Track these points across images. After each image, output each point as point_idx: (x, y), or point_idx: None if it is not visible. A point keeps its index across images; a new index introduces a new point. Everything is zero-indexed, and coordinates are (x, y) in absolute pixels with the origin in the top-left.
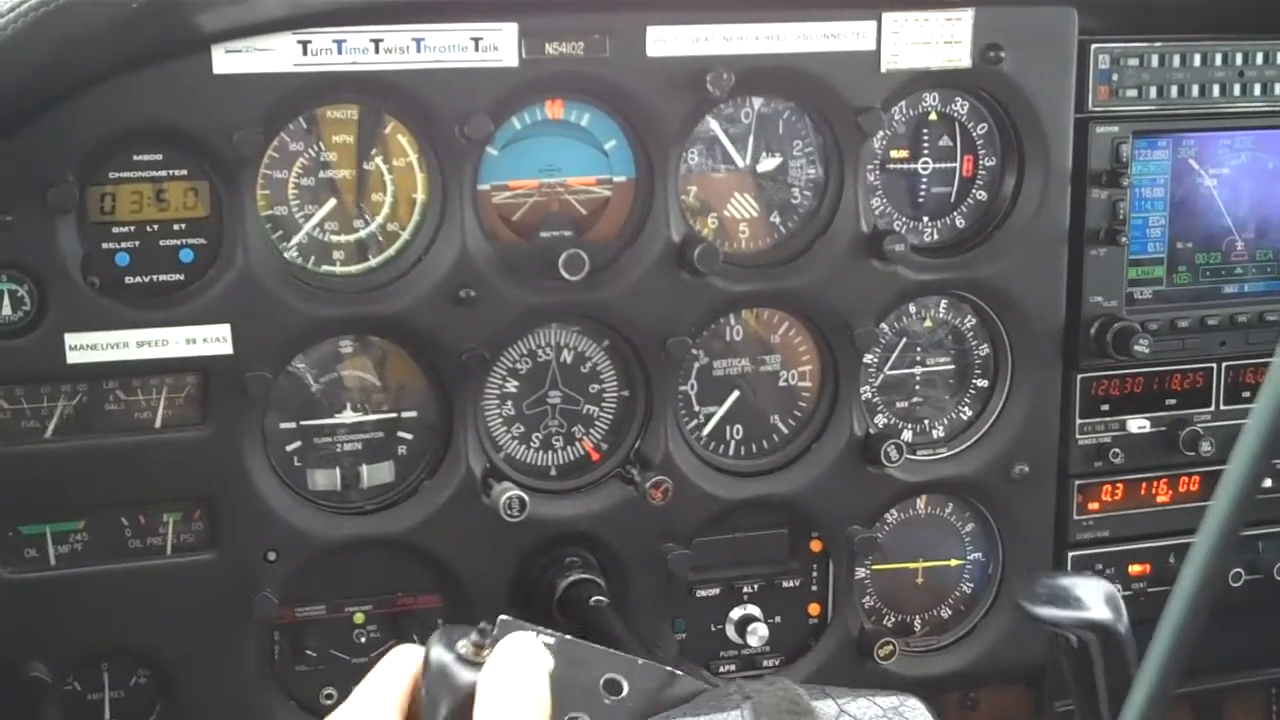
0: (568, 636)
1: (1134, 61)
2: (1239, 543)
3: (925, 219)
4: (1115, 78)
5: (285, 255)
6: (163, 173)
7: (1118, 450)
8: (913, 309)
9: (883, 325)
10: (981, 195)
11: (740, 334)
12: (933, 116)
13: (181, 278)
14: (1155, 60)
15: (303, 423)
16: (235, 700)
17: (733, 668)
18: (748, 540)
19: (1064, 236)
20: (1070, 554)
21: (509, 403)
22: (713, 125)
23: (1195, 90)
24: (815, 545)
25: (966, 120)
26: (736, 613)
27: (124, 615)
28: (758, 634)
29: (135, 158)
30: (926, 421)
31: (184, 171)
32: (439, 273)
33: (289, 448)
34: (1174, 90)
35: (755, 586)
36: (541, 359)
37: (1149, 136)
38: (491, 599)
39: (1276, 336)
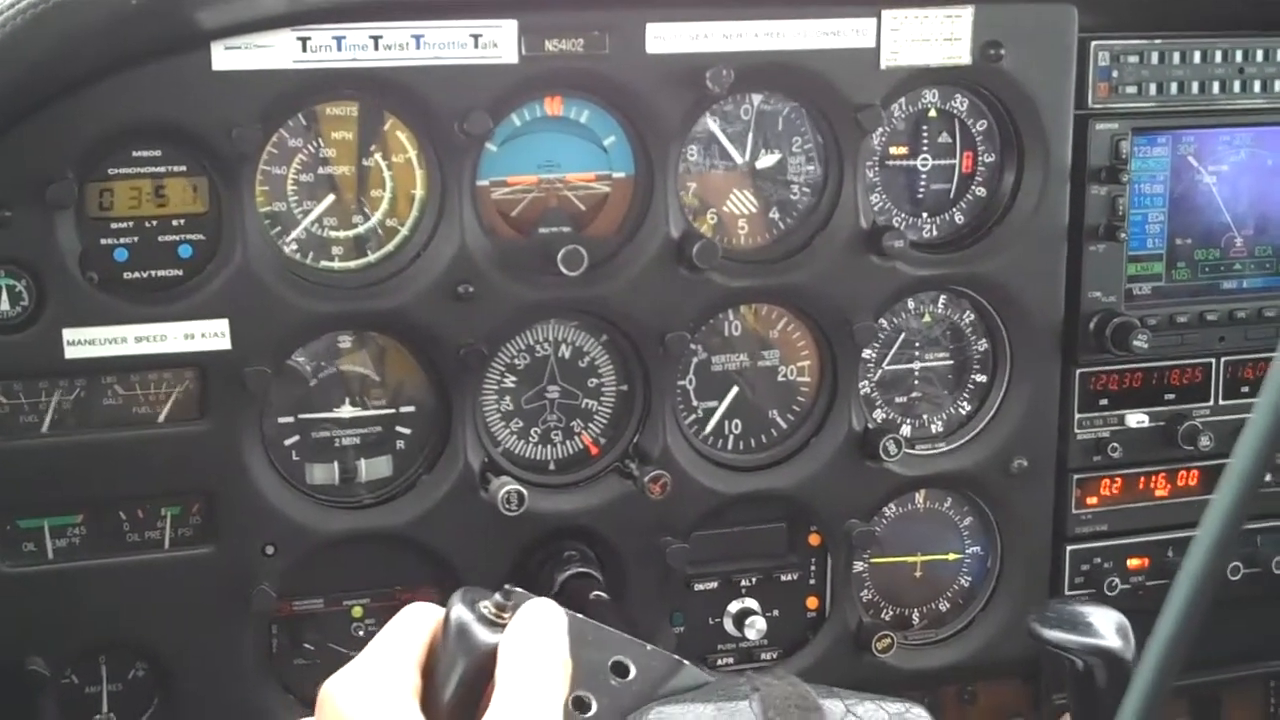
0: (579, 615)
1: (1134, 58)
2: (1239, 538)
3: (924, 215)
4: (1115, 74)
5: (284, 251)
6: (162, 169)
7: (1116, 445)
8: (911, 304)
9: (881, 321)
10: (981, 191)
11: (739, 329)
12: (932, 113)
13: (180, 273)
14: (1155, 57)
15: (301, 417)
16: (233, 693)
17: (731, 661)
18: (746, 534)
19: (1063, 232)
20: (1068, 548)
21: (507, 398)
22: (710, 124)
23: (1195, 87)
24: (814, 539)
25: (966, 117)
26: (734, 606)
27: (122, 609)
28: (756, 627)
29: (134, 154)
30: (925, 416)
31: (183, 167)
32: (438, 268)
33: (287, 442)
34: (1174, 87)
35: (753, 580)
36: (540, 354)
37: (1148, 133)
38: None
39: (1275, 332)
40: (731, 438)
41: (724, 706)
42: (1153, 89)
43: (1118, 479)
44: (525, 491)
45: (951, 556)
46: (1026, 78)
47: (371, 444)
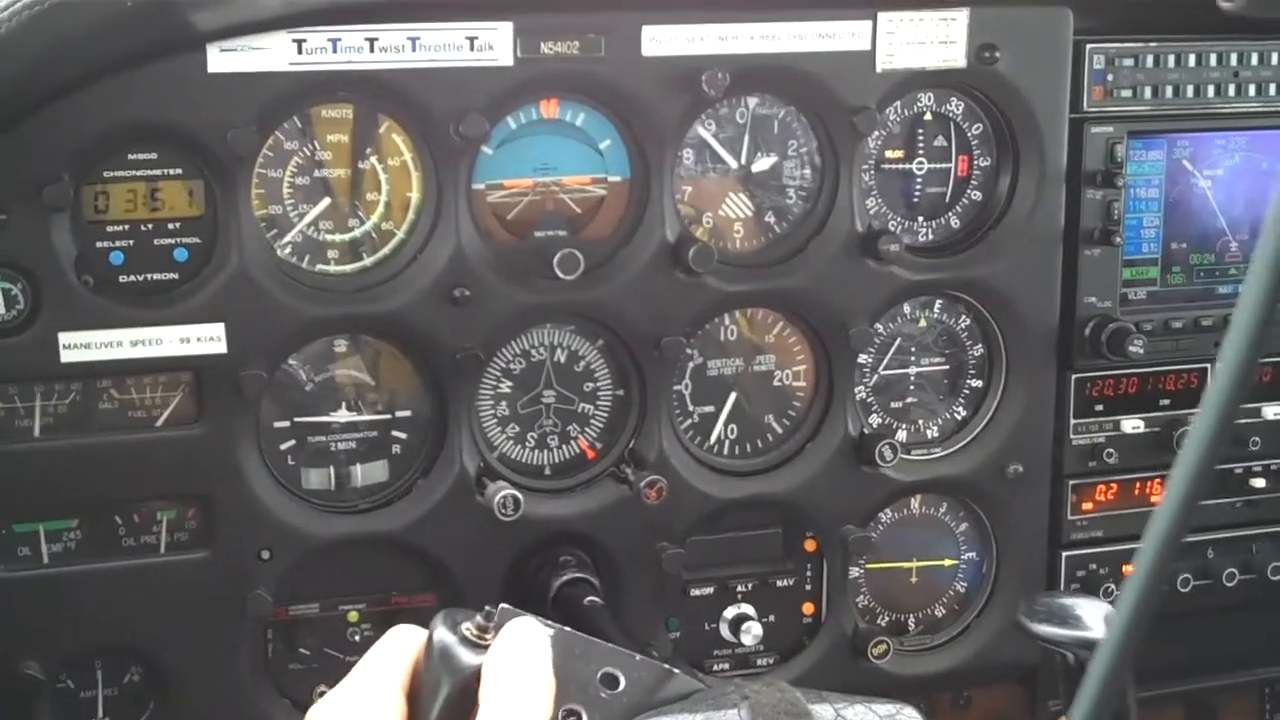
0: (566, 628)
1: (1129, 62)
2: (1231, 543)
3: (920, 219)
4: (1110, 78)
5: (280, 254)
6: (157, 171)
7: (1112, 450)
8: (907, 309)
9: (877, 325)
10: (976, 195)
11: (735, 334)
12: (928, 116)
13: (176, 277)
14: (1150, 60)
15: (296, 421)
16: (229, 698)
17: (727, 666)
18: (742, 539)
19: (1058, 237)
20: (1064, 554)
21: (503, 402)
22: (702, 131)
23: (1190, 91)
24: (809, 545)
25: (961, 120)
26: (730, 612)
27: (117, 613)
28: (752, 633)
29: (130, 156)
30: (921, 422)
31: (179, 170)
32: (433, 272)
33: (283, 446)
34: (1169, 91)
35: (749, 586)
36: (536, 358)
37: (1144, 137)
38: (485, 598)
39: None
40: (727, 443)
41: (713, 716)
42: (1148, 92)
43: (1113, 485)
44: (521, 496)
45: (947, 562)
46: (1022, 81)
47: (367, 448)
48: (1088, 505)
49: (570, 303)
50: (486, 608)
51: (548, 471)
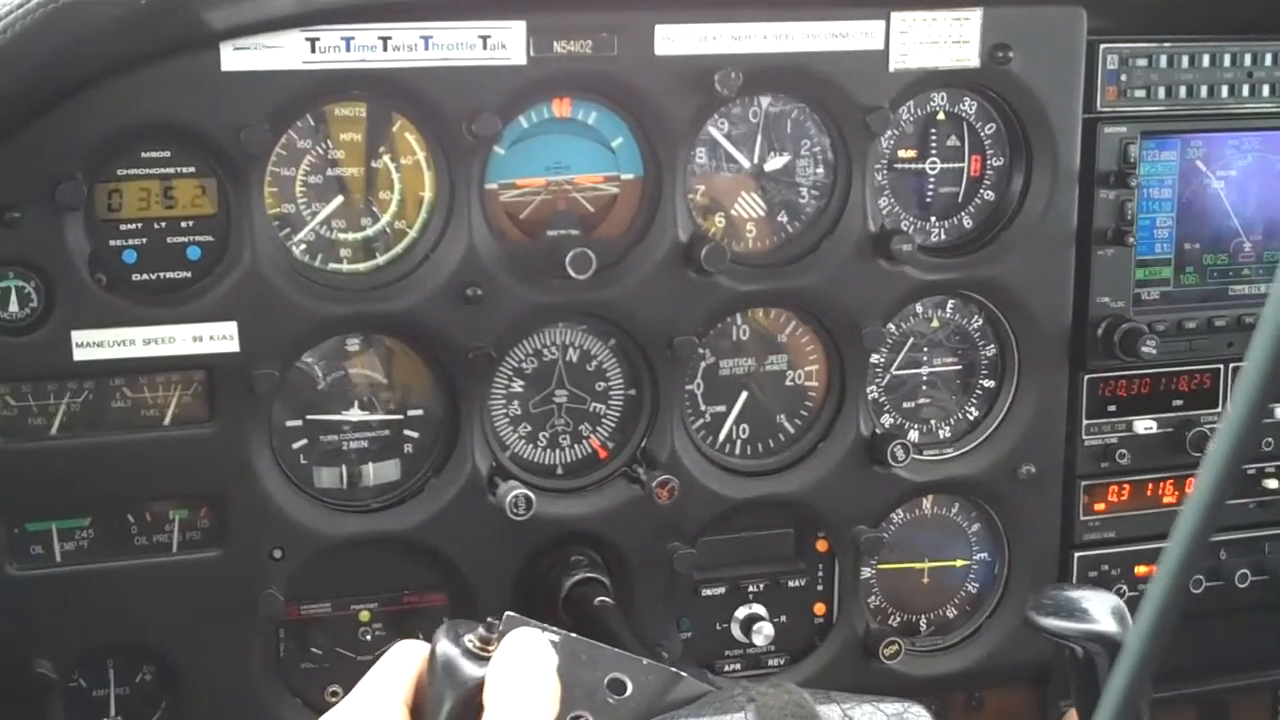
0: (573, 634)
1: (1142, 62)
2: (1244, 544)
3: (932, 219)
4: (1123, 78)
5: (293, 253)
6: (170, 170)
7: (1124, 451)
8: (920, 309)
9: (890, 325)
10: (989, 195)
11: (747, 333)
12: (940, 116)
13: (189, 275)
14: (1164, 61)
15: (309, 420)
16: (240, 697)
17: (738, 667)
18: (753, 539)
19: (1071, 237)
20: (1076, 555)
21: (515, 402)
22: (714, 132)
23: (1204, 91)
24: (821, 545)
25: (974, 120)
26: (742, 612)
27: (130, 612)
28: (763, 633)
29: (143, 155)
30: (933, 422)
31: (192, 169)
32: (446, 271)
33: (295, 445)
34: (1182, 91)
35: (761, 586)
36: (548, 358)
37: (1157, 137)
38: (497, 597)
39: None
40: (739, 442)
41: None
42: (1161, 93)
43: (1125, 485)
44: (533, 496)
45: (959, 563)
46: (1035, 81)
47: (379, 448)
48: (1100, 506)
49: (582, 302)
50: (489, 619)
51: (559, 471)
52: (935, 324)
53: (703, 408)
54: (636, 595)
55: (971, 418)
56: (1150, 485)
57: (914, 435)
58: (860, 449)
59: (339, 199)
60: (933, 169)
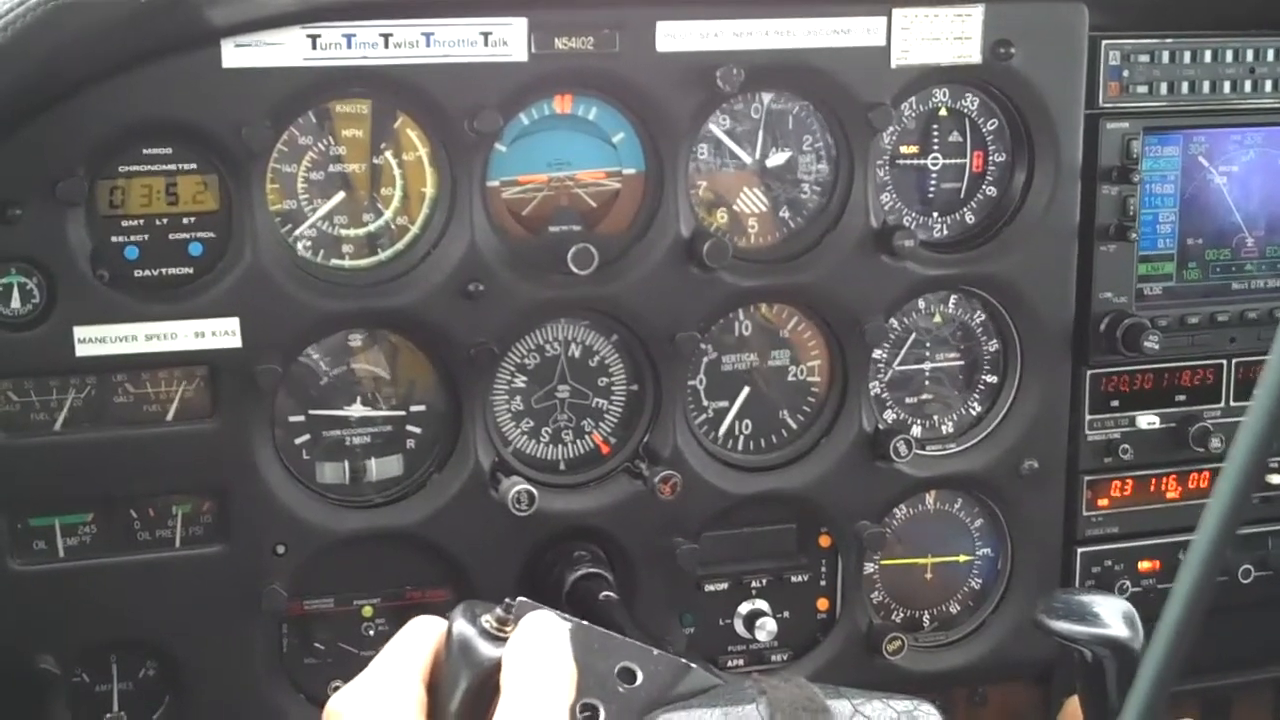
0: (584, 622)
1: (1144, 58)
2: (1247, 540)
3: (935, 214)
4: (1126, 74)
5: (295, 249)
6: (172, 166)
7: (1127, 446)
8: (922, 304)
9: (892, 321)
10: (991, 191)
11: (749, 329)
12: (943, 112)
13: (190, 271)
14: (1166, 56)
15: (311, 415)
16: (243, 693)
17: (741, 662)
18: (756, 535)
19: (1074, 232)
20: (1079, 550)
21: (518, 397)
22: (714, 129)
23: (1206, 87)
24: (824, 540)
25: (976, 116)
26: (745, 607)
27: (133, 607)
28: (766, 629)
29: (145, 151)
30: (935, 417)
31: (193, 165)
32: (448, 267)
33: (298, 441)
34: (1184, 86)
35: (764, 581)
36: (550, 353)
37: (1159, 133)
38: (500, 593)
39: None
40: (742, 438)
41: (731, 711)
42: (1164, 88)
43: (1129, 481)
44: (535, 491)
45: (962, 558)
46: (1037, 77)
47: (382, 443)
48: (1103, 501)
49: (585, 298)
50: (506, 600)
51: (562, 466)
52: (938, 319)
53: (705, 403)
54: (639, 590)
55: (974, 413)
56: (1153, 480)
57: (917, 431)
58: (863, 444)
59: (341, 195)
60: (935, 165)
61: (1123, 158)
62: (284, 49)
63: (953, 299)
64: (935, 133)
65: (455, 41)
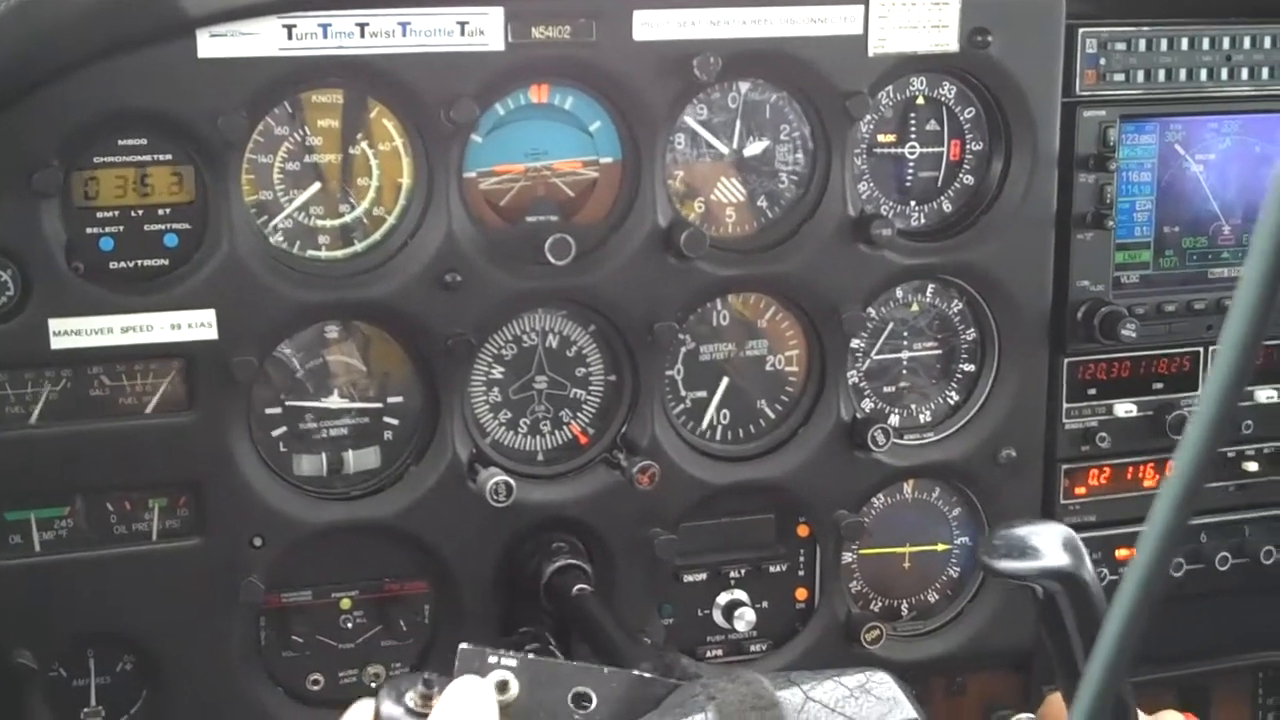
0: (530, 656)
1: (1121, 45)
2: (1224, 527)
3: (912, 203)
4: (1102, 61)
5: (271, 240)
6: (147, 157)
7: (1105, 434)
8: (900, 293)
9: (870, 310)
10: (968, 179)
11: (727, 319)
12: (920, 100)
13: (166, 263)
14: (1143, 44)
15: (288, 406)
16: (221, 686)
17: (719, 652)
18: (735, 525)
19: (1051, 221)
20: None
21: (495, 388)
22: (690, 121)
23: (1183, 74)
24: (802, 530)
25: (954, 104)
26: (723, 598)
27: (110, 601)
28: (745, 619)
29: (120, 142)
30: (913, 406)
31: (168, 156)
32: (424, 257)
33: (275, 433)
34: (1161, 74)
35: (742, 571)
36: (527, 344)
37: (1136, 120)
38: (478, 584)
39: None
40: (720, 428)
41: None
42: (1140, 76)
43: (1106, 469)
44: (513, 482)
45: (940, 547)
46: (1014, 65)
47: (359, 435)
48: (1080, 489)
49: (562, 288)
50: (427, 675)
51: (540, 457)
52: (915, 309)
53: (683, 393)
54: (618, 581)
55: (952, 402)
56: (1131, 468)
57: (894, 420)
58: (841, 434)
59: (316, 186)
60: (912, 153)
61: (1100, 146)
62: (259, 39)
63: (930, 288)
64: (912, 121)
65: (431, 31)
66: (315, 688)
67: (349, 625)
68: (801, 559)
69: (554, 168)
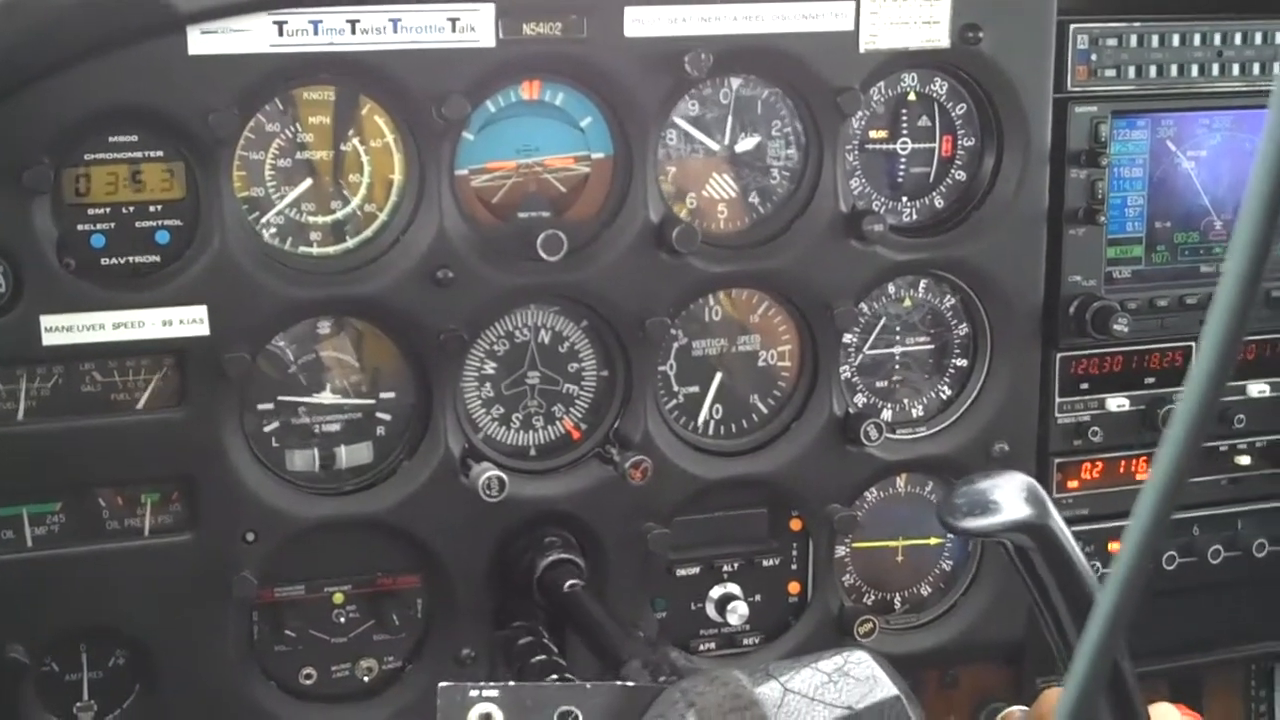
0: (511, 683)
1: (1113, 41)
2: (1216, 521)
3: (904, 199)
4: (1094, 57)
5: (262, 237)
6: (138, 154)
7: (1097, 429)
8: (892, 289)
9: (862, 305)
10: (960, 175)
11: (719, 314)
12: (911, 96)
13: (158, 259)
14: (1134, 40)
15: (280, 402)
16: (214, 681)
17: (713, 646)
18: (727, 519)
19: (1043, 216)
20: None
21: (488, 384)
22: (680, 121)
23: (1174, 70)
24: (795, 524)
25: (945, 100)
26: (716, 591)
27: (102, 596)
28: (738, 613)
29: (111, 139)
30: (906, 401)
31: (160, 153)
32: (416, 253)
33: (267, 428)
34: (1153, 70)
35: (735, 565)
36: (520, 340)
37: (1128, 116)
38: (471, 579)
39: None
40: (712, 423)
41: None
42: (1132, 72)
43: (1098, 463)
44: (506, 477)
45: (933, 541)
46: (1005, 61)
47: (352, 430)
48: (1073, 483)
49: (554, 284)
50: None
51: (533, 452)
52: (907, 304)
53: (675, 388)
54: (611, 576)
55: (944, 397)
56: (1123, 462)
57: (887, 414)
58: (833, 428)
59: (308, 182)
60: (904, 149)
61: (1091, 141)
62: (250, 35)
63: (922, 283)
64: (904, 117)
65: (422, 27)
66: (308, 682)
67: (342, 620)
68: (794, 553)
69: (545, 164)
